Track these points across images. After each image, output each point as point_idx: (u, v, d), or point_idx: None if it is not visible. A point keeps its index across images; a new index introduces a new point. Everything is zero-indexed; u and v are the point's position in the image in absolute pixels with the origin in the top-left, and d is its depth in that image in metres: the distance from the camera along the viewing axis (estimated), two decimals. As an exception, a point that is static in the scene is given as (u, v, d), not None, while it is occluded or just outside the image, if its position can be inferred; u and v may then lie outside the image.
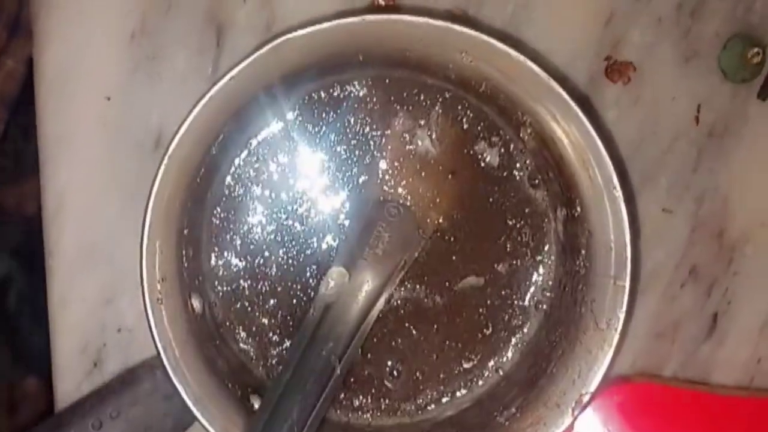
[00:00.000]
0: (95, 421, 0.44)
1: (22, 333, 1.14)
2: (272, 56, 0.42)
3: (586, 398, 0.44)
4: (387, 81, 0.49)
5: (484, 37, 0.42)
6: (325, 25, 0.42)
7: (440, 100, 0.49)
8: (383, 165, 0.50)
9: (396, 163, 0.50)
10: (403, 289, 0.51)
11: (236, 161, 0.49)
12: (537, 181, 0.50)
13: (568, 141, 0.44)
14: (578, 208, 0.46)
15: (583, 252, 0.46)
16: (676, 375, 0.54)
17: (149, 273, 0.42)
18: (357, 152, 0.50)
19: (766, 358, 0.54)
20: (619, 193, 0.42)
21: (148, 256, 0.42)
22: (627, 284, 0.43)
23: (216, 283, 0.50)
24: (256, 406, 0.47)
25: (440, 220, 0.51)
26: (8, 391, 1.10)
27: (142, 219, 0.42)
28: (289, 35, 0.42)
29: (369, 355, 0.51)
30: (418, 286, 0.51)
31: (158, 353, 0.43)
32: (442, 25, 0.42)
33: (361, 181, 0.50)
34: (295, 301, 0.50)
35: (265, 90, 0.46)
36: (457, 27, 0.42)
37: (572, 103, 0.41)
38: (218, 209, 0.49)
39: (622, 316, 0.43)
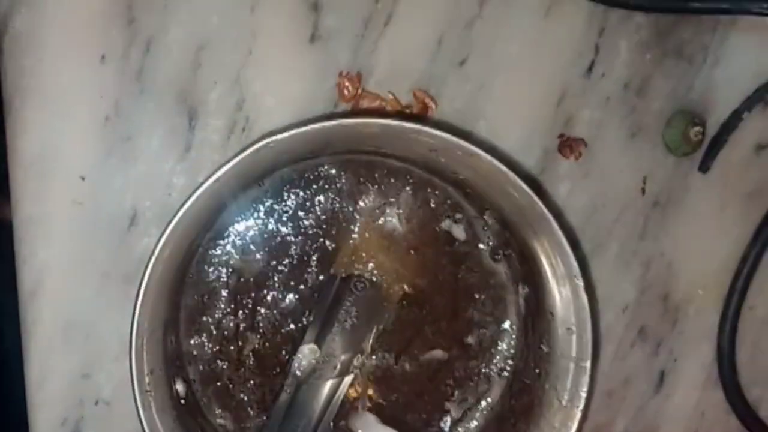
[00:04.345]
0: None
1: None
2: (252, 156, 0.44)
3: (551, 471, 0.47)
4: (357, 164, 0.52)
5: (454, 139, 0.44)
6: (303, 128, 0.44)
7: (410, 181, 0.52)
8: (351, 241, 0.53)
9: (364, 239, 0.53)
10: (374, 357, 0.54)
11: (213, 249, 0.51)
12: (498, 257, 0.53)
13: (532, 231, 0.47)
14: (540, 290, 0.49)
15: (544, 331, 0.49)
16: (627, 430, 0.58)
17: (138, 369, 0.44)
18: (326, 230, 0.52)
19: (708, 410, 0.59)
20: (580, 282, 0.45)
21: (137, 353, 0.44)
22: (588, 365, 0.46)
23: (194, 362, 0.52)
24: (238, 482, 0.49)
25: (407, 293, 0.53)
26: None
27: (131, 319, 0.44)
28: (270, 139, 0.43)
29: (342, 422, 0.54)
30: (387, 355, 0.54)
31: (148, 444, 0.45)
32: (414, 126, 0.44)
33: (329, 257, 0.53)
34: (271, 378, 0.53)
35: (243, 184, 0.48)
36: (428, 128, 0.44)
37: (541, 204, 0.44)
38: (194, 293, 0.51)
39: (584, 395, 0.46)
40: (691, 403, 0.59)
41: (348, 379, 0.52)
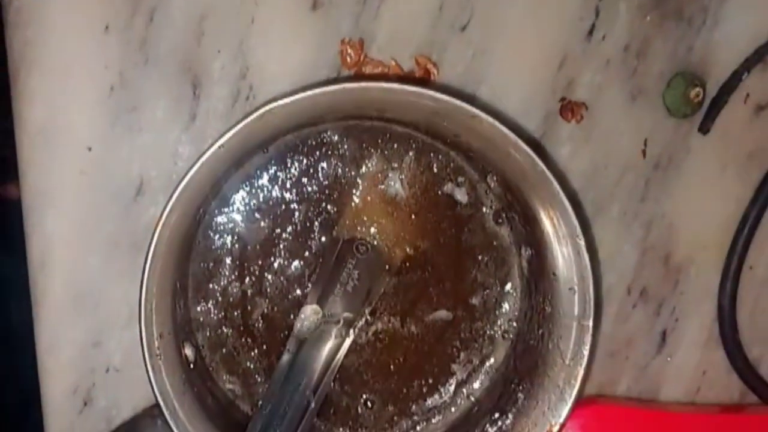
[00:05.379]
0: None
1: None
2: (256, 122, 0.45)
3: (556, 428, 0.48)
4: (360, 130, 0.52)
5: (457, 102, 0.45)
6: (307, 93, 0.44)
7: (413, 146, 0.53)
8: (354, 205, 0.53)
9: (366, 204, 0.53)
10: (379, 321, 0.54)
11: (218, 215, 0.52)
12: (501, 220, 0.54)
13: (534, 193, 0.47)
14: (542, 251, 0.50)
15: (547, 291, 0.50)
16: (630, 389, 0.59)
17: (148, 333, 0.45)
18: (329, 195, 0.53)
19: (710, 369, 0.59)
20: (582, 241, 0.46)
21: (146, 317, 0.44)
22: (591, 324, 0.47)
23: (202, 329, 0.52)
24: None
25: (409, 255, 0.54)
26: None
27: (140, 284, 0.44)
28: (273, 104, 0.44)
29: (346, 387, 0.55)
30: (393, 318, 0.54)
31: (158, 405, 0.46)
32: (416, 90, 0.45)
33: (332, 222, 0.53)
34: (278, 344, 0.53)
35: (248, 150, 0.48)
36: (430, 92, 0.45)
37: (542, 164, 0.45)
38: (201, 260, 0.52)
39: (586, 353, 0.47)
40: (693, 362, 0.60)
41: (349, 339, 0.52)
